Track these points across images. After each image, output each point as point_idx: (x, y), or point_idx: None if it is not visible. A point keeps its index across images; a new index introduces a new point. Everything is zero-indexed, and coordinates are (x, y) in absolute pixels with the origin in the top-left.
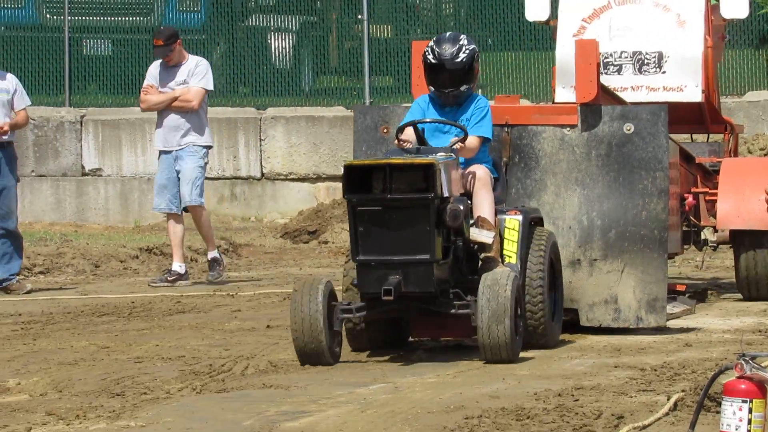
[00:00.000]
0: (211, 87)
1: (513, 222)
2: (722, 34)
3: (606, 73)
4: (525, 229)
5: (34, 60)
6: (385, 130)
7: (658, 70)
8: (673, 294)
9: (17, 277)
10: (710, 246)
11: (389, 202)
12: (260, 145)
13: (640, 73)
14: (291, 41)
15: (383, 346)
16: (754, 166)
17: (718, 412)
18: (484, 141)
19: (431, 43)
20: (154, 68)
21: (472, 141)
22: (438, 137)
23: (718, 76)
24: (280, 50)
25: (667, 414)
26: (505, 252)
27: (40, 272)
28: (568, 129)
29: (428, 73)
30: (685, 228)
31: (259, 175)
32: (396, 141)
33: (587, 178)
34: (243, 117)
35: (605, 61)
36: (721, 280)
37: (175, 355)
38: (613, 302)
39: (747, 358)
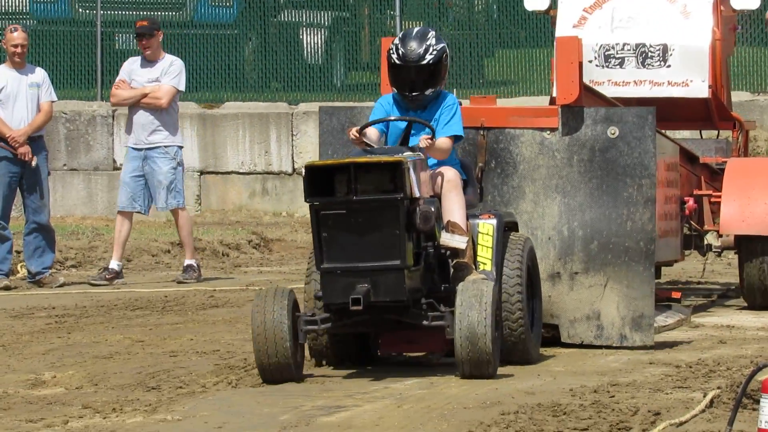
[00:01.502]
0: (182, 87)
1: (486, 226)
2: (733, 25)
3: (607, 66)
4: (500, 234)
5: (67, 54)
6: (357, 134)
7: (662, 63)
8: (668, 302)
9: (50, 271)
10: (714, 251)
11: (354, 204)
12: (292, 140)
13: (644, 66)
14: (323, 36)
15: (349, 360)
16: (761, 167)
17: (755, 410)
18: (457, 139)
19: (396, 40)
20: (129, 64)
21: (443, 141)
22: (395, 141)
23: (729, 69)
24: (312, 45)
25: (703, 411)
26: (479, 259)
27: (72, 266)
28: (548, 132)
29: (392, 73)
30: (687, 232)
31: (290, 170)
32: (356, 141)
33: (568, 186)
34: (275, 112)
35: (606, 53)
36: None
37: (210, 349)
38: (596, 318)
39: None
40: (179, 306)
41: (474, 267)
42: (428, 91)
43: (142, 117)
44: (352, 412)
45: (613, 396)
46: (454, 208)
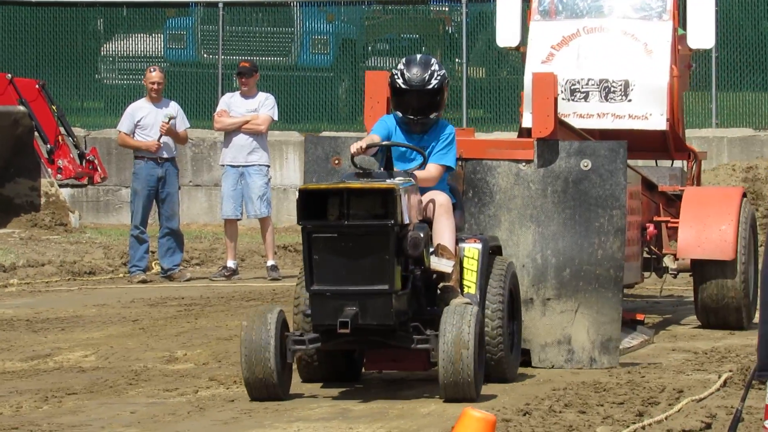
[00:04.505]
0: (276, 117)
1: (472, 251)
2: (688, 63)
3: (573, 100)
4: (485, 258)
5: (193, 91)
6: (336, 161)
7: (624, 98)
8: (632, 324)
9: (179, 268)
10: (671, 273)
11: (346, 228)
12: None
13: (607, 100)
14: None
15: (336, 378)
16: (715, 196)
17: (761, 389)
18: (447, 170)
19: (401, 65)
20: (227, 97)
21: (433, 169)
22: (402, 163)
23: (683, 104)
24: None
25: (718, 390)
26: (464, 282)
27: (197, 264)
28: (524, 164)
29: (396, 97)
30: (646, 255)
31: None
32: (354, 151)
33: (542, 215)
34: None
35: (572, 88)
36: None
37: None
38: (567, 343)
39: None
40: (285, 297)
41: (459, 290)
42: (432, 115)
43: (241, 140)
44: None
45: (643, 376)
46: (444, 232)
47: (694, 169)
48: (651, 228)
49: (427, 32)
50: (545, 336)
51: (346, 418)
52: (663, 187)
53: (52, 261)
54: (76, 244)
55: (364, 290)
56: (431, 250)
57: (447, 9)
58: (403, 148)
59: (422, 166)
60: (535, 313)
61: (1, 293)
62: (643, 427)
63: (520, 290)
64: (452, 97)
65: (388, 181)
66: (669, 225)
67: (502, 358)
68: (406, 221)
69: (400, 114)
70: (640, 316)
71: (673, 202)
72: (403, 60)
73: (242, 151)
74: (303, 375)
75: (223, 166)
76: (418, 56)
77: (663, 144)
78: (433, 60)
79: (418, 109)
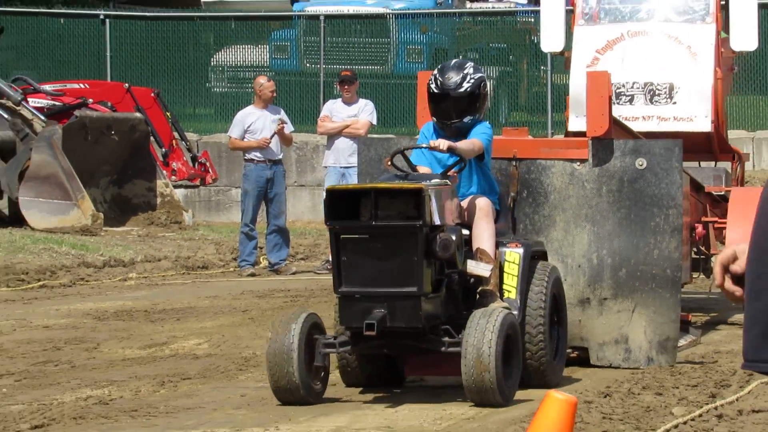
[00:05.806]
0: (375, 122)
1: (513, 255)
2: (731, 65)
3: (618, 104)
4: (526, 263)
5: (296, 98)
6: (389, 163)
7: (669, 100)
8: (682, 324)
9: (285, 262)
10: None
11: (374, 229)
12: None
13: (652, 103)
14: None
15: (378, 382)
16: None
17: None
18: (480, 157)
19: (435, 71)
20: (330, 104)
21: (469, 141)
22: (436, 168)
23: (727, 106)
24: None
25: None
26: (504, 287)
27: (302, 258)
28: (579, 163)
29: (431, 102)
30: (694, 256)
31: None
32: (388, 166)
33: (597, 215)
34: None
35: (617, 91)
36: None
37: None
38: (624, 342)
39: None
40: None
41: (499, 295)
42: (467, 119)
43: (343, 143)
44: None
45: (716, 361)
46: (482, 235)
47: (738, 170)
48: (700, 228)
49: (514, 42)
50: (602, 335)
51: (439, 400)
52: (710, 188)
53: (167, 256)
54: (189, 240)
55: (392, 292)
56: (464, 253)
57: (533, 20)
58: (440, 155)
59: (458, 165)
60: (593, 312)
61: (122, 286)
62: (716, 408)
63: (577, 290)
64: (538, 103)
65: (420, 182)
66: (716, 225)
67: (544, 363)
68: (437, 222)
69: (435, 119)
70: (688, 317)
71: (719, 202)
72: (439, 66)
73: (343, 153)
74: (344, 379)
75: (325, 167)
76: (453, 61)
77: (707, 145)
78: (469, 63)
79: (453, 113)
